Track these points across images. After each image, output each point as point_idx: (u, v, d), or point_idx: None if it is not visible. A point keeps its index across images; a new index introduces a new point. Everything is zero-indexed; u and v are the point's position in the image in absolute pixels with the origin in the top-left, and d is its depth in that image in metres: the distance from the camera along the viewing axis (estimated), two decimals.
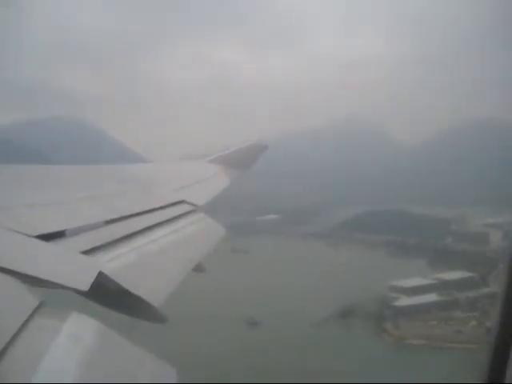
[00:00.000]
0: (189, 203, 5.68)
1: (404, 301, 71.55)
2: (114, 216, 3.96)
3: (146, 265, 3.50)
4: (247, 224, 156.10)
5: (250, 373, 50.58)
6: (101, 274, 2.77)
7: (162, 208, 4.94)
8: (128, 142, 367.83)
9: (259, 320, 68.10)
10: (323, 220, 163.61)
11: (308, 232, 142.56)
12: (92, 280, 2.58)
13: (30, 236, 2.81)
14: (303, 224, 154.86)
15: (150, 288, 3.14)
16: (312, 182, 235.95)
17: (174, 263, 3.95)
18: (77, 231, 3.29)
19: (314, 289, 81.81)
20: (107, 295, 2.98)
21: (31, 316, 1.95)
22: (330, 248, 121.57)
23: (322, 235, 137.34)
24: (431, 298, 71.72)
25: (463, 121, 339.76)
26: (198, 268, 4.49)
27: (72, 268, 2.80)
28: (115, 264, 3.07)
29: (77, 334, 2.05)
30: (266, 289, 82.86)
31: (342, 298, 75.25)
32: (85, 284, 2.50)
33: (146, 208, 4.62)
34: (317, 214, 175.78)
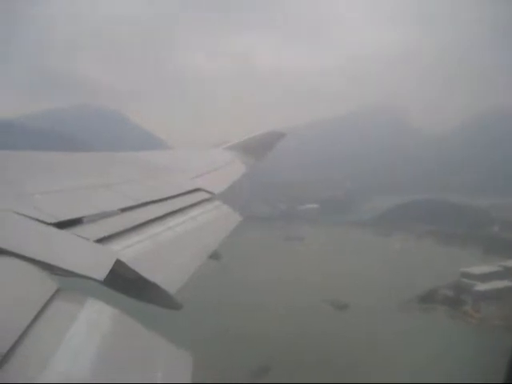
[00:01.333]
0: (205, 191, 5.65)
1: (480, 286, 75.06)
2: (131, 203, 3.96)
3: (162, 252, 3.53)
4: (288, 214, 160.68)
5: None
6: (117, 262, 2.83)
7: (178, 196, 4.94)
8: (153, 130, 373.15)
9: (347, 303, 72.12)
10: (362, 209, 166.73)
11: (350, 221, 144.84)
12: (108, 269, 2.63)
13: (47, 223, 2.84)
14: (343, 213, 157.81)
15: (166, 275, 3.17)
16: (341, 171, 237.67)
17: (190, 251, 3.96)
18: (93, 218, 3.34)
19: (383, 276, 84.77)
20: (123, 282, 3.02)
21: (49, 301, 2.02)
22: (380, 236, 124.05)
23: (365, 224, 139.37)
24: (505, 283, 75.15)
25: (490, 107, 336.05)
26: (215, 256, 4.45)
27: (89, 257, 2.83)
28: (131, 251, 3.11)
29: (94, 320, 2.14)
30: (338, 275, 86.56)
31: (414, 284, 78.42)
32: (101, 273, 2.54)
33: (163, 196, 4.63)
34: (353, 202, 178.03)
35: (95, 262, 2.76)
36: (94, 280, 2.55)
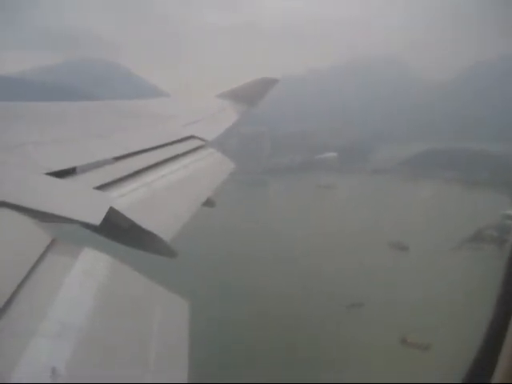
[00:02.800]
0: (198, 138, 5.64)
1: None
2: (124, 152, 3.91)
3: (156, 200, 3.51)
4: (308, 162, 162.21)
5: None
6: (112, 210, 2.81)
7: (171, 143, 4.91)
8: (157, 83, 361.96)
9: (407, 245, 75.82)
10: (378, 157, 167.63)
11: (372, 168, 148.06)
12: (104, 214, 2.63)
13: (40, 173, 2.82)
14: (361, 161, 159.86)
15: (161, 223, 3.18)
16: (349, 119, 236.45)
17: (184, 198, 3.95)
18: (87, 168, 3.30)
19: (427, 219, 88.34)
20: (118, 230, 3.03)
21: (45, 253, 2.03)
22: (407, 183, 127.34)
23: (388, 171, 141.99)
24: None
25: (490, 55, 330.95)
26: (209, 203, 4.41)
27: (84, 203, 2.83)
28: (126, 200, 3.10)
29: (90, 269, 2.15)
30: (385, 219, 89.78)
31: (458, 227, 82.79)
32: (97, 218, 2.54)
33: (156, 144, 4.58)
34: (367, 151, 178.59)
35: (90, 208, 2.75)
36: (89, 227, 2.59)
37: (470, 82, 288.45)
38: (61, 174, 2.98)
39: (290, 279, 59.57)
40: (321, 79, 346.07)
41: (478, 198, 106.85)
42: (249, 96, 9.54)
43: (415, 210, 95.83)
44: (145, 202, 3.32)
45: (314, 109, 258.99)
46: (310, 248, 72.24)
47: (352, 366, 39.37)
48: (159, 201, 3.57)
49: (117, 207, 2.87)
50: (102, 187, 3.10)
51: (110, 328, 1.88)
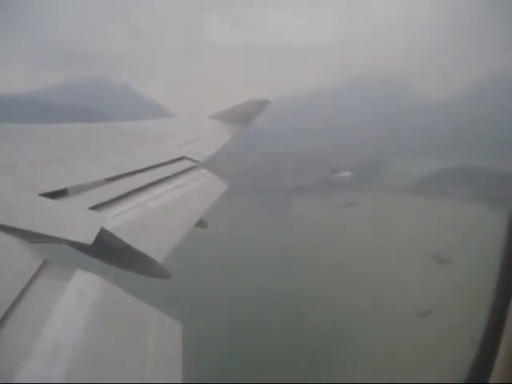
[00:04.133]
0: (190, 159, 5.65)
1: None
2: (116, 173, 3.96)
3: (149, 221, 3.52)
4: (325, 182, 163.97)
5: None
6: (104, 231, 2.79)
7: (163, 164, 4.96)
8: (162, 102, 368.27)
9: (447, 258, 78.26)
10: (390, 175, 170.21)
11: (387, 186, 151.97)
12: (96, 233, 2.60)
13: (31, 194, 2.83)
14: (374, 179, 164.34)
15: (153, 244, 3.17)
16: (355, 137, 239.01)
17: (177, 219, 3.96)
18: (79, 189, 3.33)
19: (461, 234, 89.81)
20: (110, 252, 3.02)
21: (36, 275, 2.00)
22: (429, 200, 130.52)
23: (405, 189, 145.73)
24: None
25: (493, 73, 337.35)
26: (201, 224, 4.45)
27: (75, 223, 2.82)
28: (118, 221, 3.10)
29: (82, 291, 2.12)
30: (417, 234, 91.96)
31: (491, 242, 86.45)
32: (89, 237, 2.52)
33: (148, 165, 4.63)
34: (378, 169, 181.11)
35: (82, 227, 2.74)
36: (81, 249, 2.68)
37: (480, 97, 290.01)
38: (52, 195, 3.00)
39: (350, 292, 62.43)
40: (322, 99, 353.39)
41: (502, 215, 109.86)
42: (240, 117, 9.65)
43: (444, 224, 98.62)
44: (136, 222, 3.33)
45: (315, 128, 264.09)
46: (359, 260, 74.86)
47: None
48: (151, 222, 3.57)
49: (108, 228, 2.88)
50: (93, 208, 3.11)
51: (102, 349, 1.90)
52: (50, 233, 2.41)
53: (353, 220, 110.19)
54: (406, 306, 57.35)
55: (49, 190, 2.98)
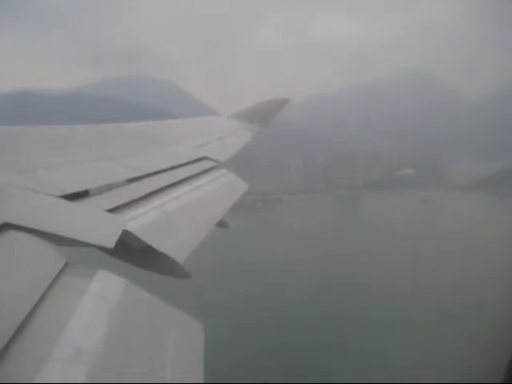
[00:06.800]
0: (211, 159, 5.67)
1: None
2: (137, 174, 3.97)
3: (169, 222, 3.53)
4: (387, 180, 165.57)
5: None
6: (125, 232, 2.81)
7: (184, 165, 4.96)
8: (204, 99, 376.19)
9: None
10: (451, 174, 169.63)
11: (454, 184, 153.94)
12: (117, 237, 2.62)
13: (53, 196, 2.84)
14: (434, 178, 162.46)
15: (174, 244, 3.17)
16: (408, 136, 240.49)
17: (197, 220, 3.95)
18: (100, 191, 3.35)
19: None
20: (132, 253, 3.06)
21: (59, 275, 2.02)
22: (495, 198, 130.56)
23: (470, 188, 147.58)
24: None
25: None
26: (222, 224, 4.47)
27: (97, 226, 2.83)
28: (139, 222, 3.11)
29: (104, 292, 2.13)
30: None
31: None
32: (110, 241, 2.55)
33: (168, 165, 4.65)
34: (443, 166, 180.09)
35: (104, 231, 2.78)
36: (103, 250, 2.66)
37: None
38: (73, 196, 3.02)
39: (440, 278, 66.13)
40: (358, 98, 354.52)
41: None
42: (261, 116, 9.65)
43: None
44: (157, 223, 3.31)
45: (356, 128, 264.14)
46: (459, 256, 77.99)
47: None
48: (172, 222, 3.55)
49: (130, 229, 2.88)
50: (114, 209, 3.13)
51: (123, 352, 1.89)
52: (71, 236, 2.44)
53: (435, 216, 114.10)
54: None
55: (70, 191, 3.02)
